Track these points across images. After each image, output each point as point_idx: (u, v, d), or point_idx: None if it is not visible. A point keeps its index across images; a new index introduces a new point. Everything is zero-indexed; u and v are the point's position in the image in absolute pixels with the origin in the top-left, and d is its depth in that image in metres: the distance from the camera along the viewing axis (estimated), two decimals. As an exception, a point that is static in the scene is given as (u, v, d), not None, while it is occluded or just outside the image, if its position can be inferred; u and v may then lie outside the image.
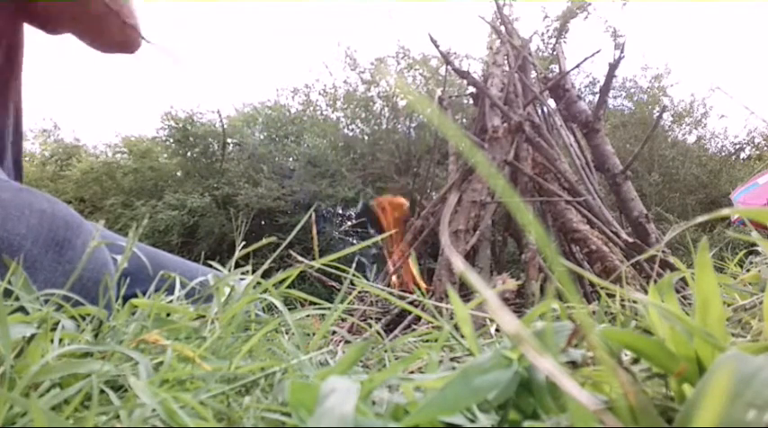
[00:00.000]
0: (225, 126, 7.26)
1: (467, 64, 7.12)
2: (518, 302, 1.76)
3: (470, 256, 1.88)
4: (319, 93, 8.27)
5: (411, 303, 1.28)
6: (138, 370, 0.29)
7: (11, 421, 0.25)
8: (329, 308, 0.48)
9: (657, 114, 7.86)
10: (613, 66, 2.16)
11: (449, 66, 2.37)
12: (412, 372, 0.39)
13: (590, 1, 7.61)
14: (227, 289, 0.47)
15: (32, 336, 0.31)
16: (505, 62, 2.42)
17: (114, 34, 0.81)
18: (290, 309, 0.43)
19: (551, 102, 2.40)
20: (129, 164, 7.58)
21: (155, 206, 6.65)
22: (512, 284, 1.22)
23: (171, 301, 0.48)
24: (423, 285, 1.71)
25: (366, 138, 7.54)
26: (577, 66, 2.49)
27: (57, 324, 0.35)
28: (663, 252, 1.47)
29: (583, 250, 1.84)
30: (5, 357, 0.28)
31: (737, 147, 8.47)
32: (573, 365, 0.26)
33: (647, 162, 7.24)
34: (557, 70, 3.10)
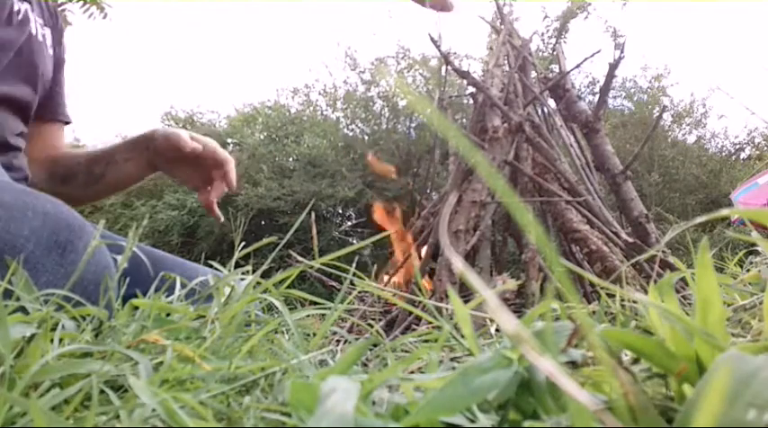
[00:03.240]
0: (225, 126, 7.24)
1: (467, 64, 7.13)
2: (518, 302, 1.76)
3: (470, 256, 1.88)
4: (319, 93, 8.28)
5: (411, 303, 1.28)
6: (138, 370, 0.29)
7: (11, 421, 0.25)
8: (329, 308, 0.48)
9: (657, 114, 7.86)
10: (613, 67, 2.16)
11: (449, 67, 2.37)
12: (412, 372, 0.39)
13: (590, 1, 7.61)
14: (227, 289, 0.47)
15: (32, 336, 0.31)
16: (505, 62, 2.42)
17: None
18: (289, 309, 0.43)
19: (551, 103, 2.40)
20: (130, 164, 7.57)
21: (155, 206, 6.65)
22: (512, 284, 1.22)
23: (171, 301, 0.48)
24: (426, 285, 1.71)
25: (366, 138, 7.54)
26: (577, 66, 2.49)
27: (57, 324, 0.35)
28: (663, 252, 1.47)
29: (583, 250, 1.84)
30: (5, 357, 0.28)
31: (737, 147, 8.47)
32: (573, 365, 0.26)
33: (647, 162, 7.24)
34: (557, 70, 3.09)
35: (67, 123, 1.00)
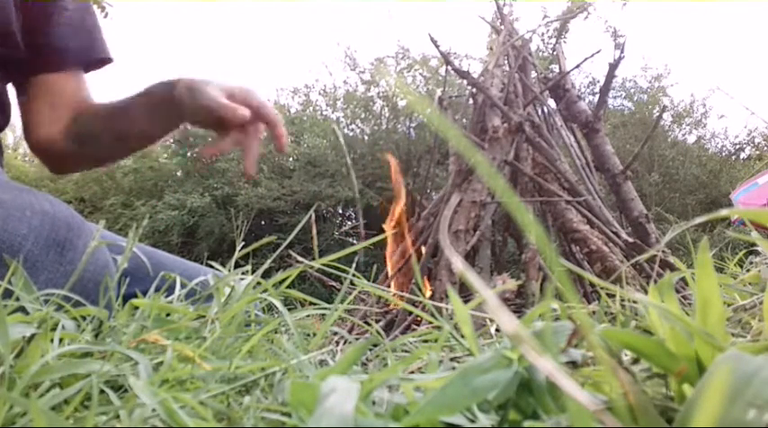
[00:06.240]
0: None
1: (467, 64, 7.13)
2: (518, 302, 1.76)
3: (470, 256, 1.88)
4: (319, 94, 8.28)
5: (411, 303, 1.28)
6: (138, 370, 0.29)
7: (11, 421, 0.25)
8: (329, 308, 0.48)
9: (657, 114, 7.86)
10: (613, 67, 2.16)
11: (449, 66, 2.36)
12: (412, 372, 0.39)
13: (590, 1, 7.61)
14: (227, 290, 0.47)
15: (32, 336, 0.31)
16: (506, 62, 2.42)
17: None
18: (289, 309, 0.43)
19: (551, 103, 2.40)
20: (129, 165, 7.58)
21: (155, 206, 6.65)
22: (512, 284, 1.22)
23: (171, 301, 0.48)
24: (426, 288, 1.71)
25: (366, 138, 7.54)
26: (577, 66, 2.49)
27: (57, 324, 0.35)
28: (663, 252, 1.47)
29: (583, 250, 1.83)
30: (5, 357, 0.28)
31: (737, 147, 8.48)
32: (573, 365, 0.26)
33: (647, 162, 7.24)
34: (557, 70, 3.09)
35: (89, 68, 0.85)
